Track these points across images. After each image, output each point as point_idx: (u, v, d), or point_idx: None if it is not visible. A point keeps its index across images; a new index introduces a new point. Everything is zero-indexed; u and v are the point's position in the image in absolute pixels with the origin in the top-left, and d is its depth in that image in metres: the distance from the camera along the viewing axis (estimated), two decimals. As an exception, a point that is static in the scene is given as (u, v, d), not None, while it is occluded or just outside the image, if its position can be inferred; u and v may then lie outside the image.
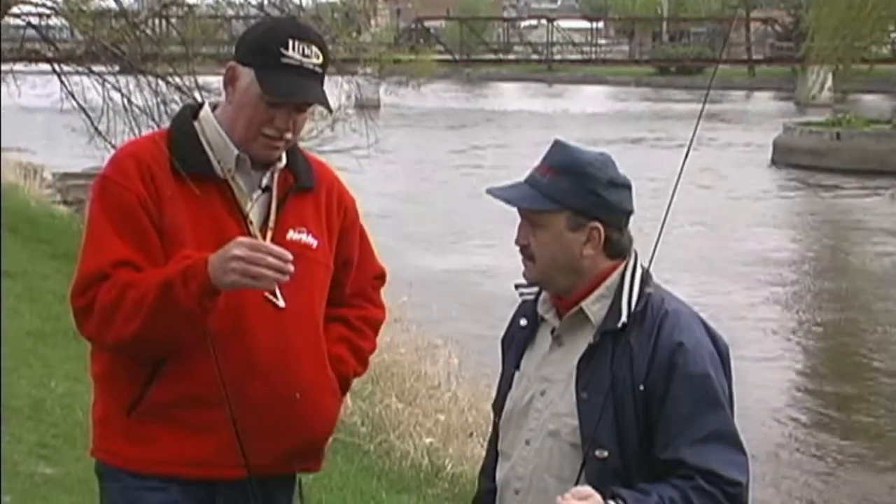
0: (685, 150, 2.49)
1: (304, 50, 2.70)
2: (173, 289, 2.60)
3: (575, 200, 2.48)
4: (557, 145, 2.55)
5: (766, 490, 9.34)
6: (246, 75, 2.72)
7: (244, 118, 2.74)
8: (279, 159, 2.80)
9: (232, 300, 2.66)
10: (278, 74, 2.68)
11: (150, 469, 2.75)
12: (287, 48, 2.69)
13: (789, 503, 9.60)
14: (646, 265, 2.55)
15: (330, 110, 2.86)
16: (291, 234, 2.81)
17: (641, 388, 2.42)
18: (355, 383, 9.21)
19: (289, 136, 2.77)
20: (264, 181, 2.81)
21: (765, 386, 12.10)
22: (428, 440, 7.87)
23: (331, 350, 2.91)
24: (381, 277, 3.09)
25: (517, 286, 2.66)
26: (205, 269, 2.60)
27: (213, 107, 2.85)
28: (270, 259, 2.56)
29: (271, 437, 2.77)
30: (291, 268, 2.58)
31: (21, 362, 7.78)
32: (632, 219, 2.56)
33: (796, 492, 9.79)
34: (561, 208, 2.48)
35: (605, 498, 2.31)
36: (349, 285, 2.98)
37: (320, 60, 2.73)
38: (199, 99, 12.07)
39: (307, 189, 2.86)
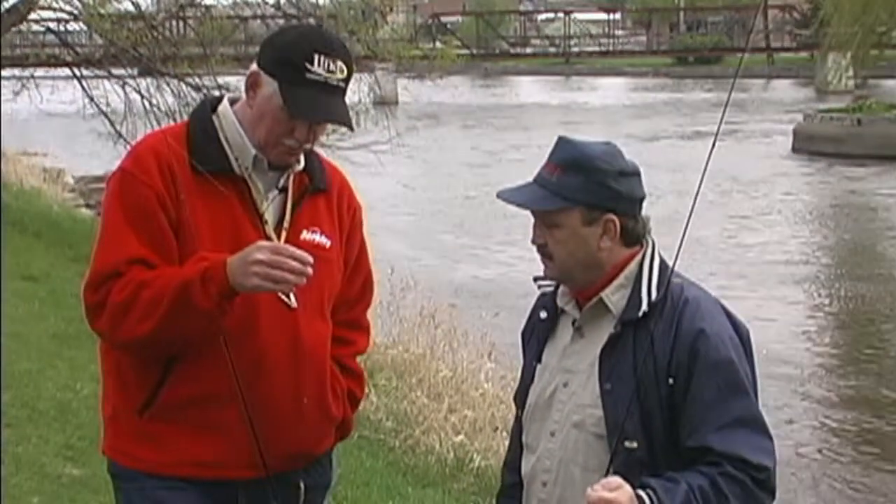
0: (710, 144, 2.46)
1: (329, 65, 2.68)
2: (191, 290, 2.60)
3: (587, 196, 2.47)
4: (562, 142, 2.54)
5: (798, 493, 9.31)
6: (269, 84, 2.70)
7: (265, 127, 2.72)
8: (297, 162, 2.80)
9: (245, 299, 2.65)
10: (302, 90, 2.66)
11: (166, 471, 2.75)
12: (312, 63, 2.66)
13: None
14: (664, 254, 2.54)
15: (351, 129, 2.83)
16: (305, 235, 2.81)
17: (671, 380, 2.41)
18: (380, 379, 9.21)
19: (308, 146, 2.77)
20: (281, 182, 2.81)
21: (786, 382, 12.00)
22: (454, 436, 7.87)
23: (343, 415, 2.93)
24: (369, 287, 3.03)
25: (536, 279, 2.65)
26: (224, 272, 2.59)
27: (233, 101, 2.83)
28: (293, 263, 2.56)
29: (282, 436, 2.77)
30: (311, 271, 2.58)
31: (46, 365, 7.83)
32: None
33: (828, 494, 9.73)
34: (574, 205, 2.48)
35: (633, 488, 2.31)
36: (342, 288, 2.94)
37: (345, 75, 2.71)
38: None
39: (321, 190, 2.87)
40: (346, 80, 2.72)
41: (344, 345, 2.95)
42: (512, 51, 65.45)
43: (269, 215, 2.78)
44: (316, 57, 2.67)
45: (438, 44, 18.28)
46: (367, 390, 8.69)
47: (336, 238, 2.88)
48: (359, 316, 3.02)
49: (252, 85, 2.74)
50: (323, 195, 2.87)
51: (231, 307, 2.63)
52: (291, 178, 2.82)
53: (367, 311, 3.06)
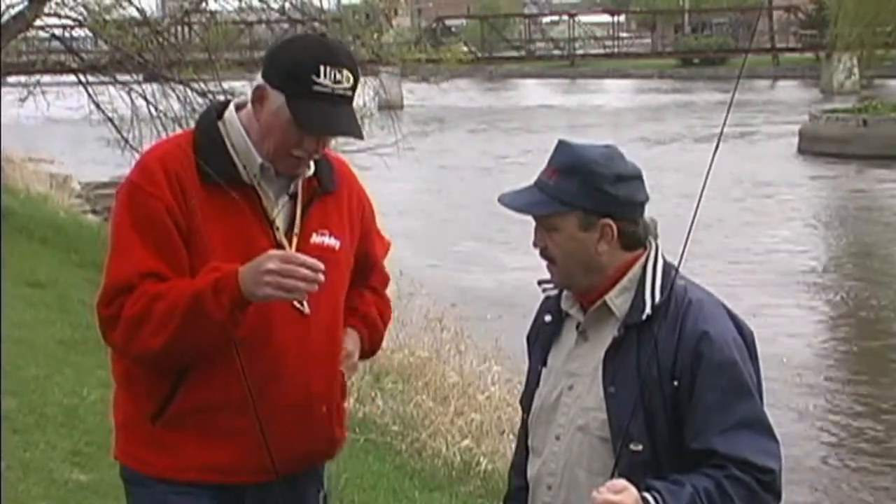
0: (714, 146, 2.46)
1: (335, 76, 2.67)
2: (204, 301, 2.60)
3: (583, 200, 2.47)
4: (562, 146, 2.54)
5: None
6: (276, 98, 2.70)
7: (273, 140, 2.72)
8: (308, 169, 2.80)
9: (257, 307, 2.66)
10: (310, 103, 2.66)
11: (178, 476, 2.76)
12: (319, 75, 2.65)
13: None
14: (669, 258, 2.54)
15: (361, 138, 2.79)
16: (315, 238, 2.81)
17: (675, 382, 2.41)
18: (386, 382, 9.22)
19: (317, 155, 2.77)
20: (291, 188, 2.81)
21: (792, 391, 11.95)
22: (461, 439, 7.88)
23: (366, 312, 2.99)
24: (387, 249, 3.16)
25: (540, 282, 2.66)
26: (235, 282, 2.59)
27: (238, 107, 2.82)
28: (304, 271, 2.57)
29: (295, 441, 2.78)
30: (322, 277, 2.59)
31: (53, 371, 7.84)
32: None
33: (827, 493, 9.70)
34: (570, 209, 2.48)
35: (639, 490, 2.31)
36: (373, 277, 3.06)
37: (351, 83, 2.70)
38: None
39: (329, 192, 2.87)
40: (353, 89, 2.72)
41: (368, 277, 3.04)
42: (517, 53, 65.43)
43: (280, 221, 2.79)
44: (322, 68, 2.66)
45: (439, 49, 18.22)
46: (373, 393, 8.69)
47: (346, 238, 2.89)
48: (378, 272, 3.11)
49: (258, 99, 2.73)
50: (332, 196, 2.88)
51: (244, 317, 2.64)
52: (300, 182, 2.82)
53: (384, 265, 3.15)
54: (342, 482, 5.60)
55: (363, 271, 3.01)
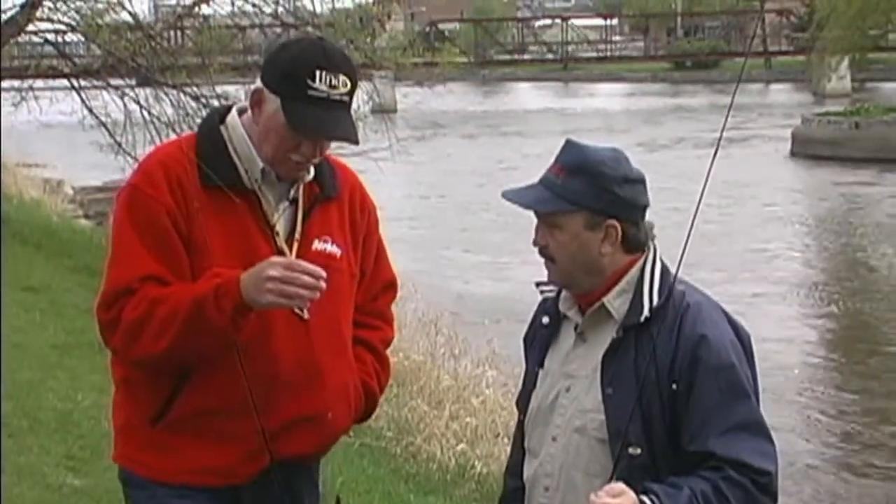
0: (712, 151, 2.47)
1: (331, 81, 2.66)
2: (205, 307, 2.60)
3: (591, 200, 2.48)
4: (569, 145, 2.55)
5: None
6: (272, 101, 2.69)
7: (271, 143, 2.72)
8: (307, 173, 2.80)
9: (257, 313, 2.66)
10: (304, 107, 2.65)
11: (177, 479, 2.76)
12: (314, 80, 2.65)
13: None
14: (666, 261, 2.55)
15: (356, 143, 2.76)
16: (316, 245, 2.80)
17: (674, 386, 2.42)
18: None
19: (315, 160, 2.76)
20: (291, 193, 2.80)
21: (784, 394, 11.95)
22: (456, 443, 7.88)
23: (366, 382, 2.93)
24: (391, 286, 3.06)
25: (538, 283, 2.66)
26: (237, 288, 2.59)
27: (241, 111, 2.82)
28: (305, 278, 2.56)
29: (295, 446, 2.79)
30: (324, 285, 2.58)
31: (47, 375, 7.84)
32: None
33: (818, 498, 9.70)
34: (577, 209, 2.48)
35: (636, 493, 2.31)
36: (360, 292, 2.96)
37: (348, 88, 2.69)
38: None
39: (331, 198, 2.86)
40: (350, 94, 2.71)
41: (371, 329, 2.97)
42: (510, 57, 65.52)
43: (280, 227, 2.78)
44: (317, 73, 2.65)
45: (433, 52, 18.29)
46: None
47: (348, 245, 2.87)
48: (382, 308, 3.03)
49: (256, 102, 2.73)
50: (334, 202, 2.86)
51: (245, 323, 2.63)
52: (301, 188, 2.81)
53: (390, 304, 3.07)
54: (337, 486, 5.61)
55: (366, 296, 2.95)
